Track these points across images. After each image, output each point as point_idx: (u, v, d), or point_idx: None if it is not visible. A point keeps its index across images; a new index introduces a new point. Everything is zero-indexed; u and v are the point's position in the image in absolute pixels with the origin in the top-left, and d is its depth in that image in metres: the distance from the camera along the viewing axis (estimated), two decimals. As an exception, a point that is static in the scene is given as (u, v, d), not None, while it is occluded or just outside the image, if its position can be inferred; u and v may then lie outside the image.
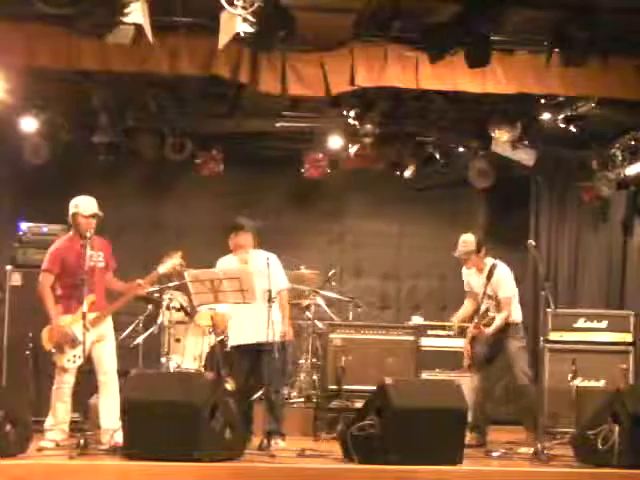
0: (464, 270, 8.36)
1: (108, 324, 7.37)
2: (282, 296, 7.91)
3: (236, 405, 7.39)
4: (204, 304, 7.93)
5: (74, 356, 7.12)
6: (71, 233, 7.39)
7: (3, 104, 8.77)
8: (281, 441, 7.62)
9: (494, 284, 8.04)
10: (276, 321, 7.50)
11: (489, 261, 8.15)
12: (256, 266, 7.70)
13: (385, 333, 8.91)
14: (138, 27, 6.65)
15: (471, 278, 8.33)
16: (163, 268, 7.47)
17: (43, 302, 7.20)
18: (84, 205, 7.26)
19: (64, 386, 7.18)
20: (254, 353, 7.73)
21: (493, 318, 8.05)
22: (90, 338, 7.09)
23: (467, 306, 8.44)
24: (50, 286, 7.23)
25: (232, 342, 8.01)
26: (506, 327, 8.09)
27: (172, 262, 7.47)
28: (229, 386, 8.25)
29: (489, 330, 7.99)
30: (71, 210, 7.30)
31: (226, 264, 7.87)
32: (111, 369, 7.26)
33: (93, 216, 7.24)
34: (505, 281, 8.14)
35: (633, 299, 9.85)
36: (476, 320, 8.03)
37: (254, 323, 7.61)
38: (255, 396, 7.81)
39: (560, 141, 9.99)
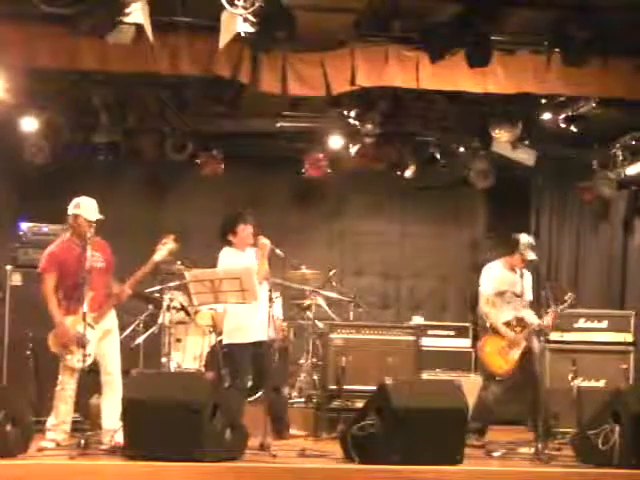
0: (507, 270, 8.27)
1: (112, 319, 7.33)
2: None
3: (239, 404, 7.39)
4: (204, 304, 7.90)
5: (83, 355, 7.03)
6: (68, 234, 7.31)
7: (3, 104, 8.76)
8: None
9: (524, 283, 8.07)
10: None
11: None
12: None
13: (385, 333, 8.88)
14: (138, 27, 6.65)
15: (511, 277, 8.23)
16: (159, 255, 7.33)
17: (47, 304, 7.14)
18: (87, 209, 7.20)
19: (68, 387, 7.14)
20: (251, 351, 7.62)
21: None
22: (96, 335, 7.08)
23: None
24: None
25: (230, 340, 7.75)
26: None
27: (167, 247, 7.34)
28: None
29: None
30: (72, 211, 7.24)
31: (234, 258, 7.68)
32: (115, 369, 7.23)
33: (96, 221, 7.21)
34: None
35: (633, 299, 9.84)
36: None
37: (255, 321, 7.48)
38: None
39: (560, 141, 9.97)
